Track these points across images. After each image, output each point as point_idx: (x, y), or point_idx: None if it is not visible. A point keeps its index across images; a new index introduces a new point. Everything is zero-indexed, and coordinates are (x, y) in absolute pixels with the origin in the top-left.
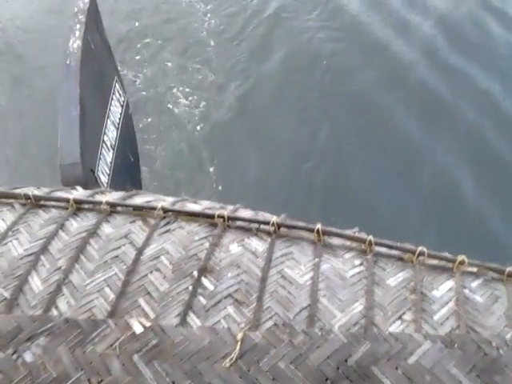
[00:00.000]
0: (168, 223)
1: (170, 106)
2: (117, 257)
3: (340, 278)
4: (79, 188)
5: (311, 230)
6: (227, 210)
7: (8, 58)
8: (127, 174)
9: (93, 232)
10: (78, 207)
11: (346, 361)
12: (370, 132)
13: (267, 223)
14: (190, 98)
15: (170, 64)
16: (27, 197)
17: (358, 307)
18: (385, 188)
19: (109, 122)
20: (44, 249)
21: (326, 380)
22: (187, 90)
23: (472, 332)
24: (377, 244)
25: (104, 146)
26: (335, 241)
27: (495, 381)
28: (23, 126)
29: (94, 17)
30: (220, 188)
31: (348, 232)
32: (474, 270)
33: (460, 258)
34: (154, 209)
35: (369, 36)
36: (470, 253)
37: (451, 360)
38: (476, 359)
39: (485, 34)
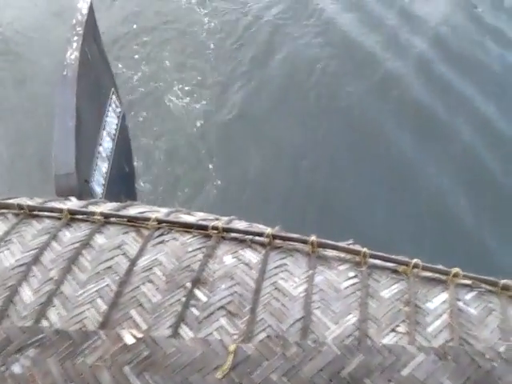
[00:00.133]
0: (162, 234)
1: (168, 103)
2: (109, 268)
3: (334, 290)
4: (73, 198)
5: (305, 242)
6: (221, 222)
7: (8, 57)
8: (122, 185)
9: (86, 243)
10: (72, 218)
11: (339, 373)
12: (365, 145)
13: (261, 235)
14: (188, 97)
15: (168, 63)
16: (20, 207)
17: (352, 319)
18: (378, 202)
19: (104, 133)
20: (36, 259)
21: None
22: (186, 88)
23: (466, 344)
24: (371, 256)
25: (99, 156)
26: (329, 253)
27: None
28: (19, 127)
29: (91, 29)
30: (219, 183)
31: (342, 244)
32: (468, 282)
33: (454, 270)
34: (147, 220)
35: (362, 50)
36: (463, 267)
37: (445, 372)
38: (470, 372)
39: (479, 52)
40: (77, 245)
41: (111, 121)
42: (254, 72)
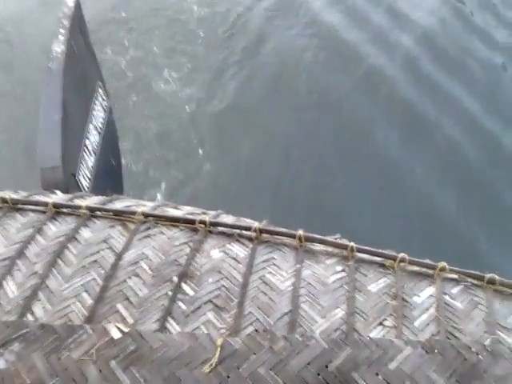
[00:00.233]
0: (148, 228)
1: (158, 88)
2: (95, 261)
3: (321, 284)
4: (58, 192)
5: (293, 236)
6: (209, 216)
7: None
8: (109, 179)
9: (71, 236)
10: (57, 211)
11: (326, 367)
12: (353, 144)
13: (249, 229)
14: (178, 83)
15: (157, 49)
16: (4, 200)
17: (339, 313)
18: (366, 200)
19: (91, 126)
20: (20, 253)
21: None
22: (176, 74)
23: (452, 338)
24: (358, 250)
25: (86, 150)
26: (317, 247)
27: None
28: (9, 113)
29: (78, 22)
30: (209, 168)
31: (330, 238)
32: (455, 276)
33: (441, 264)
34: (134, 214)
35: (348, 44)
36: (450, 265)
37: (431, 365)
38: (456, 364)
39: (467, 53)
40: (62, 238)
41: (98, 114)
42: (244, 61)
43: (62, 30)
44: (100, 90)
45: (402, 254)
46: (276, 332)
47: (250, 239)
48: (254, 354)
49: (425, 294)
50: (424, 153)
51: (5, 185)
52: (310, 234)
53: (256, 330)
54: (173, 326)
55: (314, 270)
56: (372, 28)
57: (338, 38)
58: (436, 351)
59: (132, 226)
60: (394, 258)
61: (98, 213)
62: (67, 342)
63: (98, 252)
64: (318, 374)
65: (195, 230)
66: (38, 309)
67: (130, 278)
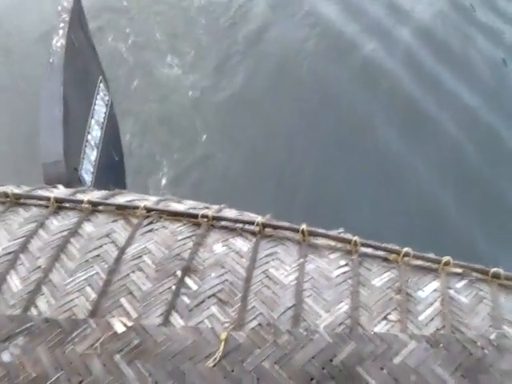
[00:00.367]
0: (151, 223)
1: (160, 73)
2: (98, 256)
3: (325, 279)
4: (60, 186)
5: (296, 231)
6: (211, 210)
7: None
8: (111, 174)
9: (74, 231)
10: (59, 206)
11: (331, 361)
12: (354, 139)
13: (252, 223)
14: (181, 69)
15: (159, 36)
16: (6, 195)
17: (344, 307)
18: (364, 195)
19: (93, 121)
20: (23, 248)
21: (311, 380)
22: (178, 60)
23: (457, 332)
24: (362, 244)
25: (88, 144)
26: (320, 241)
27: (480, 380)
28: (11, 107)
29: (78, 16)
30: (209, 158)
31: (333, 232)
32: (459, 270)
33: (445, 258)
34: (136, 208)
35: (345, 36)
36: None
37: (436, 360)
38: (461, 359)
39: (468, 46)
40: (65, 233)
41: (99, 109)
42: (246, 50)
43: (61, 24)
44: (101, 85)
45: (406, 249)
46: (280, 326)
47: (253, 233)
48: (259, 348)
49: (429, 289)
50: (424, 148)
51: (7, 180)
52: (314, 229)
53: (260, 324)
54: (176, 320)
55: (318, 264)
56: (370, 19)
57: (336, 29)
58: (441, 345)
59: (135, 221)
60: (398, 253)
61: (101, 207)
62: (71, 335)
63: (100, 246)
64: (323, 368)
65: (198, 225)
66: (41, 303)
67: (133, 272)
